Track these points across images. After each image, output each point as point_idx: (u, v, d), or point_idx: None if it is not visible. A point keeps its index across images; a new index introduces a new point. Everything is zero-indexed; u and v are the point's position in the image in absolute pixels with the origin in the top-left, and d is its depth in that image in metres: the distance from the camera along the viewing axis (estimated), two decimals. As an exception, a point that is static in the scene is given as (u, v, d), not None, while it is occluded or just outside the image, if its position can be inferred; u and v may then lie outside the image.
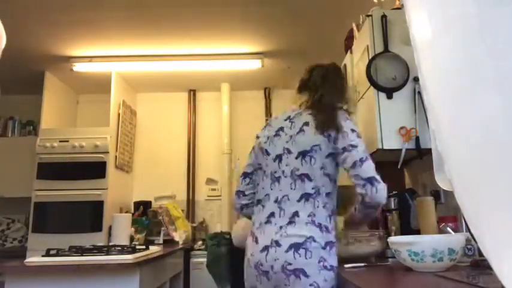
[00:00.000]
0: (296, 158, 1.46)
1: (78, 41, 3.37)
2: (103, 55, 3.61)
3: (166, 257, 2.72)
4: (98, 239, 3.36)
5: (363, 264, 1.50)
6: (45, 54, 3.55)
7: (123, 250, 2.29)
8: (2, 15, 3.10)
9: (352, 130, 1.44)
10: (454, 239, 1.29)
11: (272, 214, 1.44)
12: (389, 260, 1.63)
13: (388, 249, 1.63)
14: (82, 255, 2.17)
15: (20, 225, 4.12)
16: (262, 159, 1.58)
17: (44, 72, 3.83)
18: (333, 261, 1.37)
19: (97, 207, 3.52)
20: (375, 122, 1.89)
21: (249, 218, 1.62)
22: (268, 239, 1.40)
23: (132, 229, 3.43)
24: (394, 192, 2.13)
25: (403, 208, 2.03)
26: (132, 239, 3.36)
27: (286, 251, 1.34)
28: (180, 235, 3.48)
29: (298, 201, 1.42)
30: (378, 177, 1.37)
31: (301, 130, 1.49)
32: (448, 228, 1.59)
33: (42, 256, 2.19)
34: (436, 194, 1.96)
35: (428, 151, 1.83)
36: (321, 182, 1.43)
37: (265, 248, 1.39)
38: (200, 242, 3.65)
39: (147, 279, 2.25)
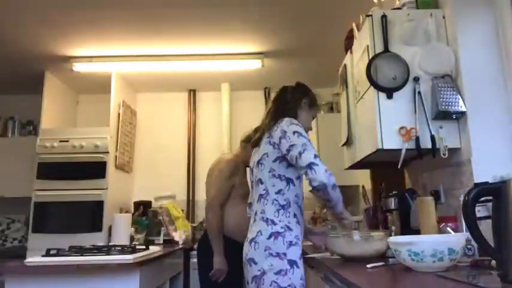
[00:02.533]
0: (253, 168, 1.82)
1: (78, 41, 3.37)
2: (103, 55, 3.61)
3: (166, 257, 2.72)
4: (98, 239, 3.36)
5: (381, 264, 1.50)
6: (45, 54, 3.55)
7: (123, 250, 2.29)
8: (2, 15, 3.12)
9: (294, 132, 1.66)
10: (454, 239, 1.29)
11: (251, 216, 1.82)
12: (390, 260, 1.63)
13: (388, 249, 1.63)
14: (82, 255, 2.17)
15: (20, 225, 4.12)
16: (250, 174, 1.93)
17: (44, 72, 3.83)
18: (279, 248, 1.60)
19: (97, 207, 3.52)
20: (375, 122, 1.89)
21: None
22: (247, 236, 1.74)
23: (132, 229, 3.43)
24: (394, 192, 2.13)
25: (403, 208, 2.03)
26: (132, 239, 3.36)
27: (248, 244, 1.68)
28: (180, 235, 3.48)
29: (257, 201, 1.73)
30: (316, 161, 1.58)
31: (258, 144, 1.81)
32: (448, 228, 1.59)
33: (42, 256, 2.19)
34: (436, 194, 1.96)
35: (428, 151, 1.83)
36: (270, 183, 1.70)
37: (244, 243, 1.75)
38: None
39: (147, 279, 2.25)
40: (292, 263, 1.58)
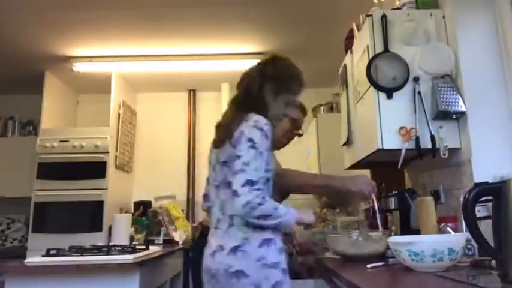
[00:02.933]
0: (221, 166, 1.53)
1: (78, 41, 3.37)
2: (103, 55, 3.61)
3: (166, 257, 2.72)
4: (98, 239, 3.35)
5: (381, 264, 1.50)
6: (45, 54, 3.55)
7: (123, 250, 2.29)
8: (1, 15, 3.11)
9: (249, 139, 1.39)
10: (454, 239, 1.29)
11: (218, 220, 1.51)
12: (390, 260, 1.63)
13: (388, 249, 1.62)
14: (82, 255, 2.17)
15: (20, 225, 4.12)
16: (209, 169, 1.71)
17: (44, 72, 3.83)
18: (274, 257, 1.39)
19: (97, 207, 3.52)
20: (375, 122, 1.89)
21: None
22: (215, 244, 1.45)
23: (132, 229, 3.43)
24: (394, 192, 2.13)
25: (403, 208, 2.03)
26: (132, 239, 3.36)
27: (228, 254, 1.38)
28: (180, 235, 3.48)
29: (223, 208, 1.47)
30: (241, 190, 1.34)
31: (223, 143, 1.53)
32: (448, 228, 1.59)
33: (42, 256, 2.19)
34: (436, 194, 1.96)
35: (428, 151, 1.83)
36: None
37: (214, 253, 1.43)
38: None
39: (147, 279, 2.25)
40: (285, 272, 1.41)
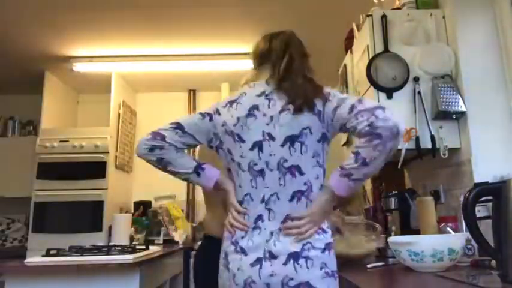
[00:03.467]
0: (282, 145, 1.18)
1: (78, 41, 3.37)
2: (103, 55, 3.61)
3: (166, 257, 2.72)
4: (98, 239, 3.35)
5: (381, 264, 1.51)
6: (45, 54, 3.55)
7: (123, 250, 2.29)
8: (2, 15, 3.11)
9: (340, 93, 1.26)
10: (454, 239, 1.29)
11: (260, 217, 1.18)
12: (390, 260, 1.63)
13: (388, 249, 1.63)
14: (82, 255, 2.17)
15: (20, 225, 4.12)
16: (233, 146, 1.25)
17: (44, 72, 3.83)
18: (334, 265, 1.17)
19: (97, 207, 3.52)
20: (375, 122, 1.88)
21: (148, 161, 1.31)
22: (259, 250, 1.15)
23: (132, 229, 3.43)
24: (394, 192, 2.13)
25: (403, 208, 2.03)
26: (132, 239, 3.36)
27: (285, 264, 1.11)
28: (180, 235, 3.48)
29: (290, 200, 1.17)
30: (382, 104, 1.18)
31: (284, 109, 1.21)
32: (448, 228, 1.59)
33: (42, 256, 2.19)
34: (436, 194, 1.96)
35: (428, 151, 1.83)
36: (313, 174, 1.18)
37: (258, 261, 1.14)
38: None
39: (147, 279, 2.25)
40: (338, 281, 1.18)
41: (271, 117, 1.21)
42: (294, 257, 1.12)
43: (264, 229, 1.17)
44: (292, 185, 1.17)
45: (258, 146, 1.21)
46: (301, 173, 1.18)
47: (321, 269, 1.12)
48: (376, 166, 1.13)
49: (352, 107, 1.15)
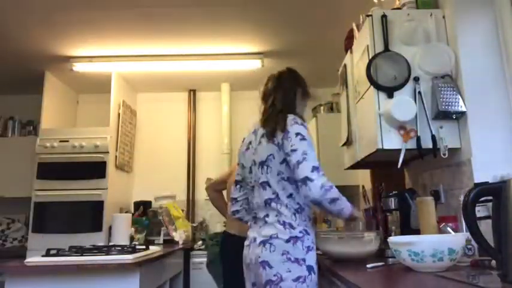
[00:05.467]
0: (258, 168, 1.64)
1: (78, 41, 3.37)
2: (103, 55, 3.61)
3: (166, 257, 2.72)
4: (98, 239, 3.36)
5: (381, 264, 1.51)
6: (45, 54, 3.55)
7: (123, 250, 2.29)
8: (2, 15, 3.11)
9: (297, 134, 1.55)
10: (454, 239, 1.29)
11: (254, 217, 1.67)
12: (390, 260, 1.63)
13: (388, 249, 1.63)
14: (82, 255, 2.17)
15: (20, 225, 4.12)
16: (243, 172, 1.77)
17: (44, 72, 3.83)
18: (298, 254, 1.50)
19: (97, 207, 3.52)
20: (375, 122, 1.89)
21: (240, 220, 1.83)
22: (251, 237, 1.63)
23: (132, 229, 3.43)
24: (394, 192, 2.13)
25: (403, 208, 2.03)
26: (132, 239, 3.36)
27: (258, 246, 1.55)
28: (180, 235, 3.48)
29: (265, 206, 1.60)
30: (312, 175, 1.47)
31: (259, 142, 1.66)
32: (448, 228, 1.59)
33: (42, 256, 2.19)
34: (436, 194, 1.96)
35: (429, 151, 1.83)
36: (279, 186, 1.58)
37: (249, 244, 1.63)
38: (200, 242, 3.65)
39: (147, 279, 2.25)
40: (310, 269, 1.50)
41: (255, 148, 1.68)
42: (263, 242, 1.54)
43: (255, 224, 1.65)
44: (264, 195, 1.61)
45: (249, 169, 1.70)
46: (270, 186, 1.60)
47: (282, 254, 1.49)
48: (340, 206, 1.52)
49: (293, 167, 1.51)
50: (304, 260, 1.50)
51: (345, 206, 1.52)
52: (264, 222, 1.59)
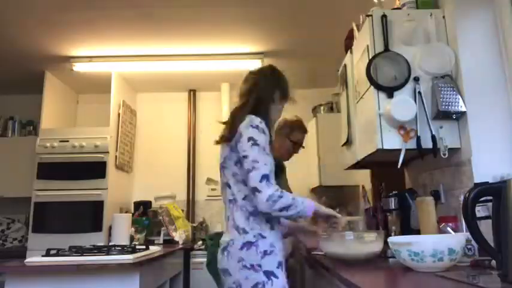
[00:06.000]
0: (220, 169, 1.64)
1: (78, 41, 3.37)
2: (103, 55, 3.61)
3: (166, 257, 2.72)
4: (98, 239, 3.36)
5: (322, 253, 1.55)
6: (45, 54, 3.55)
7: (123, 250, 2.29)
8: (2, 15, 3.11)
9: (249, 138, 1.49)
10: (454, 239, 1.29)
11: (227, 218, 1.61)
12: (390, 260, 1.63)
13: (388, 249, 1.62)
14: (82, 255, 2.17)
15: (20, 225, 4.12)
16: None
17: (44, 72, 3.83)
18: (253, 260, 1.46)
19: (97, 207, 3.52)
20: (375, 122, 1.89)
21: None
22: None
23: (132, 229, 3.43)
24: (394, 192, 2.13)
25: (403, 208, 2.03)
26: (132, 239, 3.36)
27: (221, 253, 1.54)
28: (180, 235, 3.48)
29: (228, 207, 1.58)
30: (261, 185, 1.43)
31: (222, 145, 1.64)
32: (448, 228, 1.59)
33: (42, 256, 2.19)
34: (436, 194, 1.96)
35: (429, 151, 1.83)
36: (236, 188, 1.55)
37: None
38: (200, 242, 3.65)
39: (147, 279, 2.25)
40: (268, 274, 1.45)
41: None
42: (222, 249, 1.53)
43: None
44: (226, 196, 1.60)
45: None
46: (229, 187, 1.57)
47: (238, 261, 1.46)
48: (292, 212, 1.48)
49: (246, 174, 1.48)
50: (260, 265, 1.45)
51: (301, 208, 1.46)
52: (227, 226, 1.58)
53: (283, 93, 1.70)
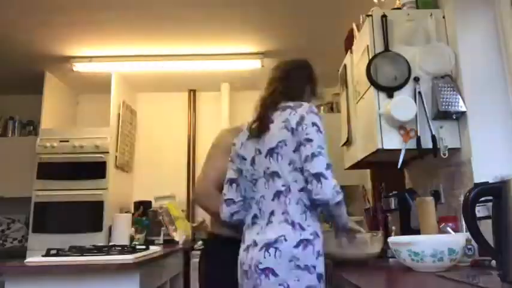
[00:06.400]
0: (265, 156, 1.45)
1: (78, 41, 3.37)
2: (103, 55, 3.61)
3: (166, 257, 2.72)
4: (98, 239, 3.35)
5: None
6: (45, 54, 3.55)
7: (123, 250, 2.29)
8: (2, 15, 3.11)
9: (313, 124, 1.41)
10: (454, 239, 1.29)
11: (255, 216, 1.46)
12: (390, 260, 1.63)
13: (388, 249, 1.62)
14: (82, 255, 2.17)
15: (20, 225, 4.12)
16: (241, 165, 1.55)
17: (44, 72, 3.83)
18: (309, 260, 1.32)
19: (97, 207, 3.52)
20: (375, 122, 1.89)
21: (236, 226, 1.57)
22: (250, 239, 1.43)
23: (132, 229, 3.43)
24: (394, 192, 2.13)
25: (403, 208, 2.03)
26: (132, 239, 3.36)
27: (259, 250, 1.35)
28: (180, 235, 3.48)
29: (272, 200, 1.40)
30: (327, 173, 1.34)
31: (267, 128, 1.47)
32: (448, 228, 1.59)
33: (42, 256, 2.19)
34: (436, 194, 1.96)
35: (429, 151, 1.83)
36: (290, 177, 1.39)
37: (247, 248, 1.42)
38: (200, 242, 3.65)
39: (147, 279, 2.25)
40: (319, 278, 1.33)
41: (260, 136, 1.50)
42: (266, 246, 1.34)
43: (257, 224, 1.44)
44: (273, 187, 1.42)
45: (252, 160, 1.51)
46: (279, 177, 1.41)
47: (290, 260, 1.31)
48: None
49: (305, 159, 1.38)
50: (314, 267, 1.32)
51: (344, 212, 1.42)
52: (267, 222, 1.39)
53: (313, 89, 1.68)
